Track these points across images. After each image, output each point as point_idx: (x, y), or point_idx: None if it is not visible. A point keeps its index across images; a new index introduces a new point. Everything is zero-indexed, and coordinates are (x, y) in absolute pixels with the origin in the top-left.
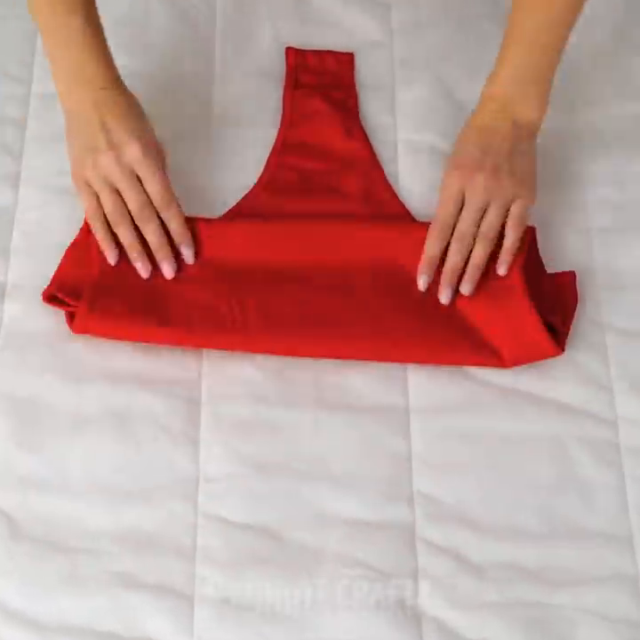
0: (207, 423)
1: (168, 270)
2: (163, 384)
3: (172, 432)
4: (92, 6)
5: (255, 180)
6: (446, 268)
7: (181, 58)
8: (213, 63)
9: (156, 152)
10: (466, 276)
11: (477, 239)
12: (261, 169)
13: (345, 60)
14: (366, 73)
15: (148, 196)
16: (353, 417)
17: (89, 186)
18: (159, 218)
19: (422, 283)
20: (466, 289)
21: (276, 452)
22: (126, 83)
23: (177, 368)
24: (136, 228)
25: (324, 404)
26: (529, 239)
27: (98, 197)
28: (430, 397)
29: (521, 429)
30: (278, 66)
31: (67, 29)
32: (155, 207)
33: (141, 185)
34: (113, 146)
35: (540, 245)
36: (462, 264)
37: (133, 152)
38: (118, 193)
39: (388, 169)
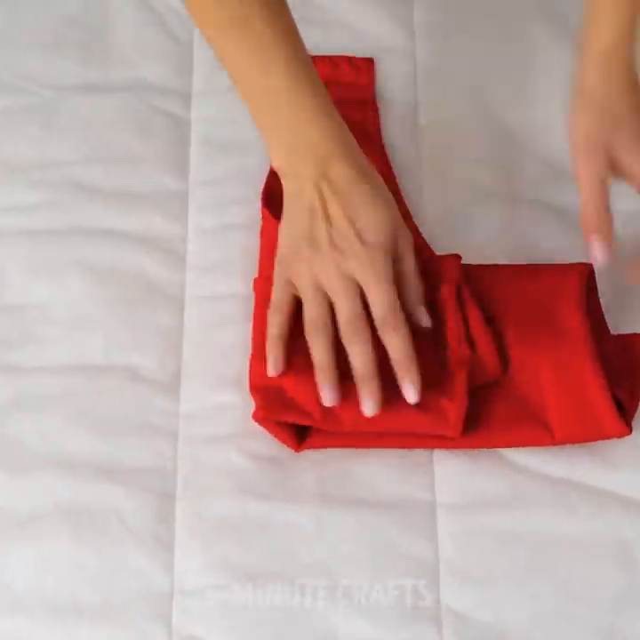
0: (183, 523)
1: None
2: (128, 474)
3: (139, 534)
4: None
5: None
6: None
7: (152, 70)
8: (191, 77)
9: (388, 251)
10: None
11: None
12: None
13: (363, 68)
14: (383, 86)
15: (366, 309)
16: (364, 515)
17: (291, 283)
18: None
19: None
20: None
21: (268, 559)
22: (84, 99)
23: (146, 454)
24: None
25: (328, 498)
26: (582, 280)
27: (294, 298)
28: (462, 490)
29: (575, 529)
30: None
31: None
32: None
33: (362, 296)
34: (335, 246)
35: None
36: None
37: (359, 258)
38: (327, 302)
39: (411, 209)
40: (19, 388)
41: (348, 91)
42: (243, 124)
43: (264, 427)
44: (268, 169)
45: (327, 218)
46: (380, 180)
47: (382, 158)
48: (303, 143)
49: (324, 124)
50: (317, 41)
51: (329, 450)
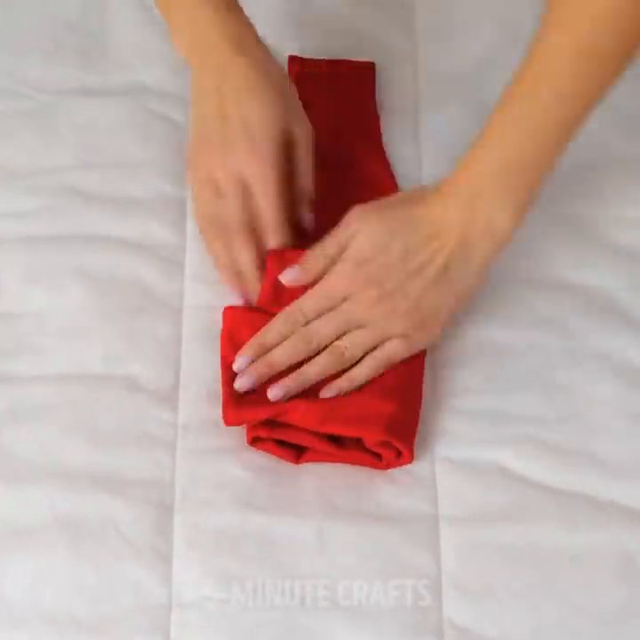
0: (182, 535)
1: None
2: (125, 485)
3: (137, 546)
4: None
5: None
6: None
7: (151, 73)
8: (189, 80)
9: (278, 144)
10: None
11: (328, 351)
12: None
13: (364, 72)
14: (384, 90)
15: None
16: (366, 527)
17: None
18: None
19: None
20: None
21: (268, 571)
22: (82, 103)
23: (144, 465)
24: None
25: (328, 510)
26: None
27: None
28: (465, 503)
29: (578, 542)
30: None
31: None
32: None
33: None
34: (226, 144)
35: None
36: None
37: (242, 154)
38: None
39: None
40: (15, 398)
41: (349, 95)
42: None
43: (261, 449)
44: None
45: (223, 117)
46: (279, 74)
47: (383, 162)
48: (204, 42)
49: (223, 21)
50: (318, 44)
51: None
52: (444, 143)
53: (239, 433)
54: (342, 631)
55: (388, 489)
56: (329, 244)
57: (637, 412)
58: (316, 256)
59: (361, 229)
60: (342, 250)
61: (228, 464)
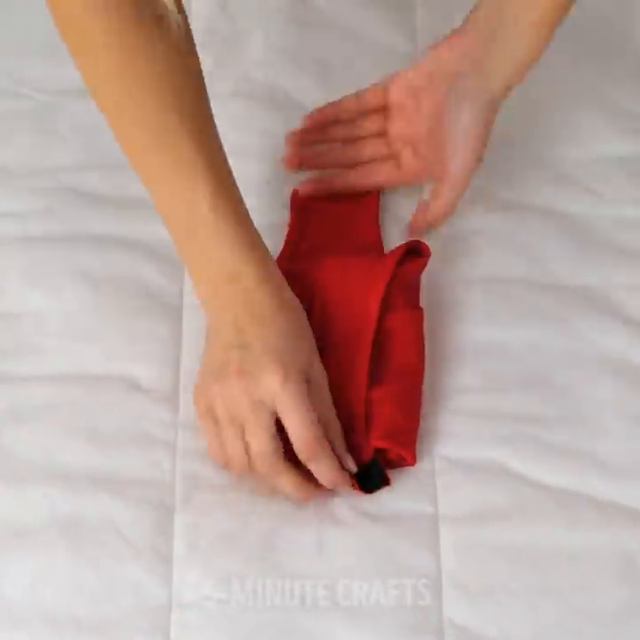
0: (182, 535)
1: None
2: (126, 486)
3: (137, 547)
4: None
5: None
6: None
7: None
8: None
9: (303, 380)
10: None
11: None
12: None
13: (367, 202)
14: None
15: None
16: (365, 528)
17: (213, 417)
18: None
19: None
20: None
21: (268, 572)
22: (81, 103)
23: (144, 465)
24: None
25: (329, 512)
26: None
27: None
28: (465, 503)
29: (578, 541)
30: (270, 83)
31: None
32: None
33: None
34: (245, 372)
35: None
36: None
37: (270, 382)
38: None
39: (409, 215)
40: (15, 398)
41: (353, 232)
42: (243, 130)
43: None
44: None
45: (243, 346)
46: (300, 309)
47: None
48: (224, 276)
49: (245, 256)
50: (318, 46)
51: None
52: None
53: None
54: (342, 631)
55: (388, 488)
56: None
57: (637, 412)
58: None
59: None
60: None
61: None
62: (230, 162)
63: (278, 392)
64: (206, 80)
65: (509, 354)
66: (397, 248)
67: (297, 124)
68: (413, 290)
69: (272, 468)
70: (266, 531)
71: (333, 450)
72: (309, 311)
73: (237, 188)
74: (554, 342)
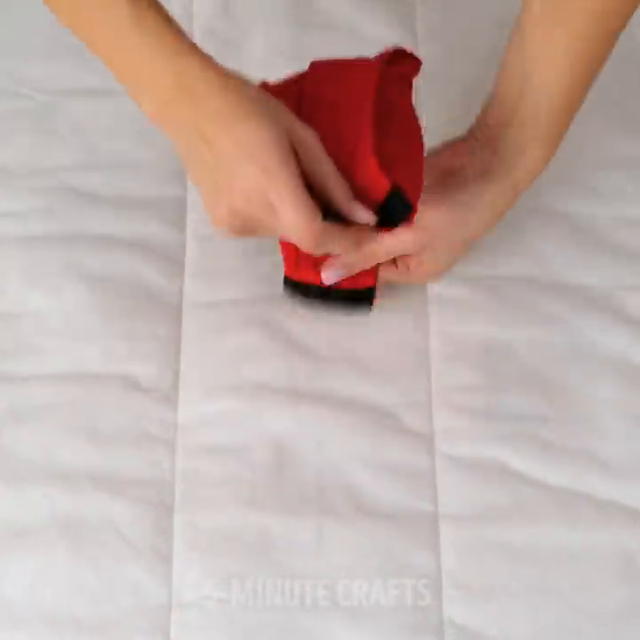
0: (182, 535)
1: None
2: (125, 486)
3: (137, 546)
4: None
5: None
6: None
7: None
8: None
9: (281, 152)
10: None
11: None
12: None
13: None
14: None
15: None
16: (366, 526)
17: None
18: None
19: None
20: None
21: (267, 571)
22: (81, 103)
23: (144, 464)
24: None
25: (329, 509)
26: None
27: None
28: (465, 502)
29: (579, 541)
30: None
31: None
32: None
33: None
34: (227, 184)
35: None
36: None
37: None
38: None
39: None
40: (15, 398)
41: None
42: None
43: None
44: None
45: (208, 146)
46: (252, 90)
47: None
48: (170, 86)
49: (178, 58)
50: (319, 44)
51: (329, 457)
52: (444, 139)
53: (239, 432)
54: (342, 631)
55: (388, 487)
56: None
57: (637, 411)
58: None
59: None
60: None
61: (227, 464)
62: None
63: (266, 188)
64: None
65: (510, 353)
66: (383, 53)
67: None
68: (407, 86)
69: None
70: (266, 530)
71: (340, 203)
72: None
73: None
74: (554, 342)
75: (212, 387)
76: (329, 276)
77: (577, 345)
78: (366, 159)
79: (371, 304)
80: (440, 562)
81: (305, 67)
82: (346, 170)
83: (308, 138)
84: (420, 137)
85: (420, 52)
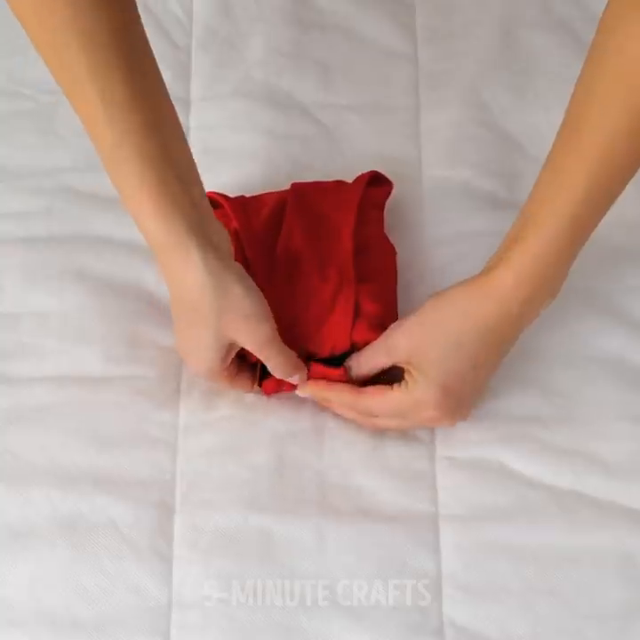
0: (182, 536)
1: None
2: (126, 486)
3: (137, 547)
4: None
5: None
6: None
7: None
8: (189, 83)
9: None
10: None
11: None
12: None
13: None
14: (384, 90)
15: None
16: (366, 527)
17: None
18: None
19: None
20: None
21: (268, 571)
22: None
23: (145, 466)
24: None
25: (329, 510)
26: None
27: None
28: (465, 503)
29: (580, 542)
30: (270, 83)
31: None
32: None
33: None
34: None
35: None
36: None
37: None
38: None
39: (410, 215)
40: (16, 400)
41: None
42: (242, 131)
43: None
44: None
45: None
46: (233, 271)
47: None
48: (158, 247)
49: (166, 231)
50: (319, 44)
51: (329, 458)
52: (444, 143)
53: (239, 434)
54: (342, 631)
55: (388, 488)
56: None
57: (637, 411)
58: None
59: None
60: None
61: (228, 465)
62: (230, 162)
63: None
64: (207, 80)
65: (510, 354)
66: (362, 175)
67: (297, 123)
68: (380, 211)
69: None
70: (266, 531)
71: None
72: (278, 232)
73: (171, 161)
74: (554, 342)
75: (213, 389)
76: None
77: (577, 346)
78: (345, 317)
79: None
80: (440, 562)
81: (305, 67)
82: (317, 319)
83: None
84: (395, 269)
85: (420, 52)
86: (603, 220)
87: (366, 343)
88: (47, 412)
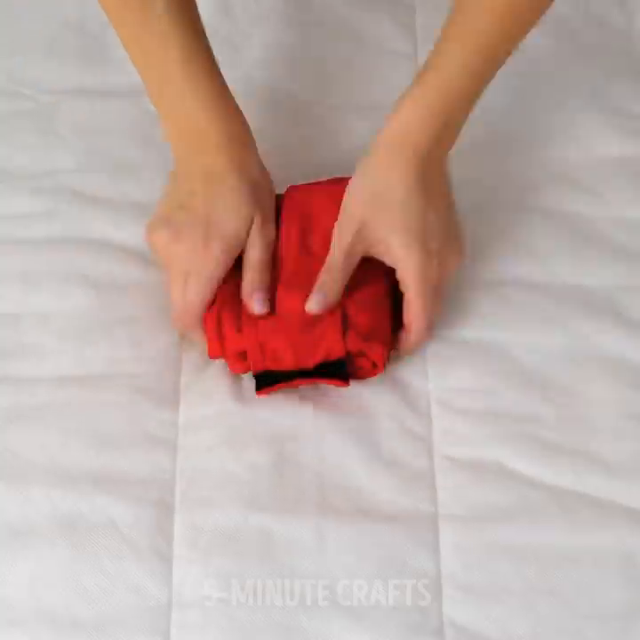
0: (182, 535)
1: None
2: (125, 486)
3: (137, 547)
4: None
5: None
6: None
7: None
8: None
9: (230, 245)
10: None
11: None
12: None
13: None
14: (384, 90)
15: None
16: (365, 527)
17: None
18: None
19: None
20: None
21: (268, 570)
22: (82, 104)
23: (144, 465)
24: None
25: (329, 509)
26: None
27: None
28: (465, 502)
29: (580, 542)
30: (270, 83)
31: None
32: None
33: None
34: (183, 237)
35: None
36: None
37: (191, 248)
38: None
39: None
40: (17, 399)
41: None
42: None
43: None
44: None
45: (189, 208)
46: (252, 175)
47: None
48: (192, 134)
49: (210, 115)
50: (318, 46)
51: (329, 457)
52: None
53: (239, 433)
54: (342, 631)
55: (388, 488)
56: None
57: (637, 411)
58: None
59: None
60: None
61: (228, 464)
62: None
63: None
64: None
65: (509, 354)
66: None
67: (296, 123)
68: None
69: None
70: (266, 530)
71: (243, 289)
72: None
73: (209, 49)
74: (554, 342)
75: (213, 388)
76: (311, 306)
77: (576, 345)
78: (334, 326)
79: (346, 377)
80: (440, 562)
81: (305, 66)
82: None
83: (260, 230)
84: (383, 275)
85: (420, 52)
86: (602, 220)
87: (360, 352)
88: (47, 412)
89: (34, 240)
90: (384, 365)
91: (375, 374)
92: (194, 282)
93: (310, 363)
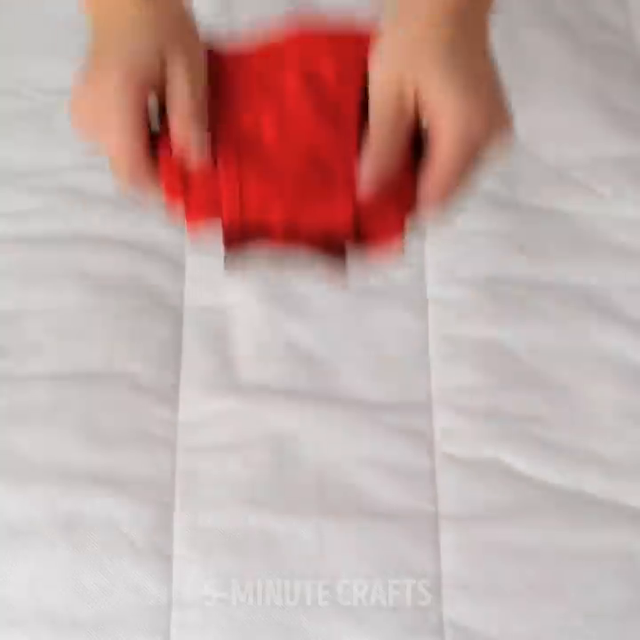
0: (182, 534)
1: None
2: (126, 485)
3: (137, 546)
4: None
5: None
6: None
7: None
8: None
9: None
10: None
11: None
12: None
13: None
14: None
15: None
16: (365, 526)
17: None
18: None
19: None
20: None
21: (268, 571)
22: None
23: (144, 464)
24: None
25: (329, 509)
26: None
27: None
28: (466, 502)
29: (581, 541)
30: None
31: None
32: None
33: None
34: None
35: None
36: None
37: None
38: None
39: None
40: (15, 398)
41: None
42: None
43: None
44: None
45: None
46: (165, 16)
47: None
48: None
49: None
50: None
51: (329, 457)
52: None
53: (239, 431)
54: (342, 631)
55: (388, 487)
56: None
57: (637, 411)
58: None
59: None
60: None
61: (228, 463)
62: None
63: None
64: None
65: (509, 353)
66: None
67: None
68: None
69: None
70: (266, 530)
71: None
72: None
73: None
74: (554, 342)
75: (213, 386)
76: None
77: (577, 345)
78: (346, 199)
79: (344, 258)
80: (440, 562)
81: None
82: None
83: (182, 65)
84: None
85: None
86: (602, 220)
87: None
88: (47, 410)
89: (33, 237)
90: (402, 238)
91: (390, 248)
92: (114, 121)
93: (304, 221)
